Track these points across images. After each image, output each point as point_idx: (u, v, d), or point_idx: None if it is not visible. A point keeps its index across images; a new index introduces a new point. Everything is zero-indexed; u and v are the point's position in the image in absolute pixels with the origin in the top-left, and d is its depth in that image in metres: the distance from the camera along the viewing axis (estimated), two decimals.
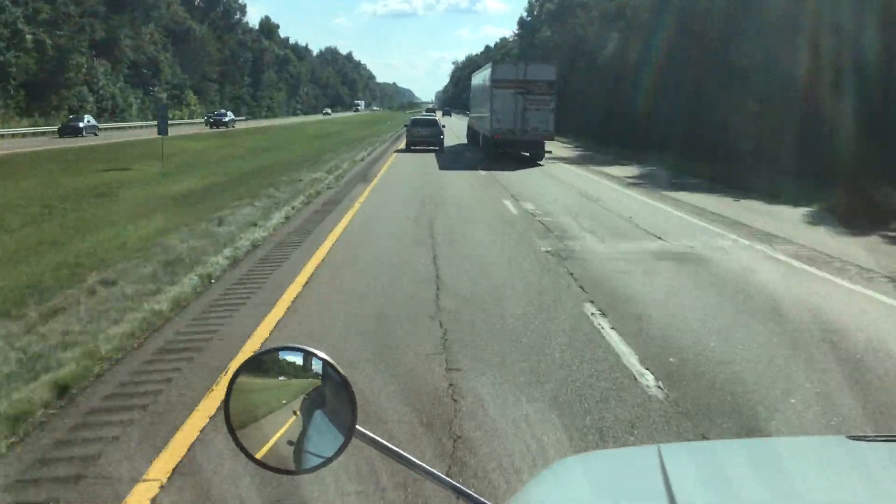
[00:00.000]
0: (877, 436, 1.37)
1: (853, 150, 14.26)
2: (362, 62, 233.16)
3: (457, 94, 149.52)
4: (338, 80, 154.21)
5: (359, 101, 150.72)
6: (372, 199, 13.11)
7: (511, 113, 22.76)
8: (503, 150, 23.89)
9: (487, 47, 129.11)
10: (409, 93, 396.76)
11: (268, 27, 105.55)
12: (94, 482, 3.03)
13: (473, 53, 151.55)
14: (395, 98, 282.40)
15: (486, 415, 3.70)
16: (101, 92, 51.38)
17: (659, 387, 4.12)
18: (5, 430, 3.36)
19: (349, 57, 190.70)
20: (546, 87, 22.69)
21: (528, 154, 23.74)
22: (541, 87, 22.66)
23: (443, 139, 28.63)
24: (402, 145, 29.32)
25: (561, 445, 3.36)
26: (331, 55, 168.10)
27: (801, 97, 16.67)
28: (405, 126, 33.47)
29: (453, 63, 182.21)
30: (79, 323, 5.00)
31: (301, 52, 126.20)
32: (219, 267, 7.02)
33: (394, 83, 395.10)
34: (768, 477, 1.16)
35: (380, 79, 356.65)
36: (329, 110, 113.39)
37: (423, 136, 28.31)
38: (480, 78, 27.47)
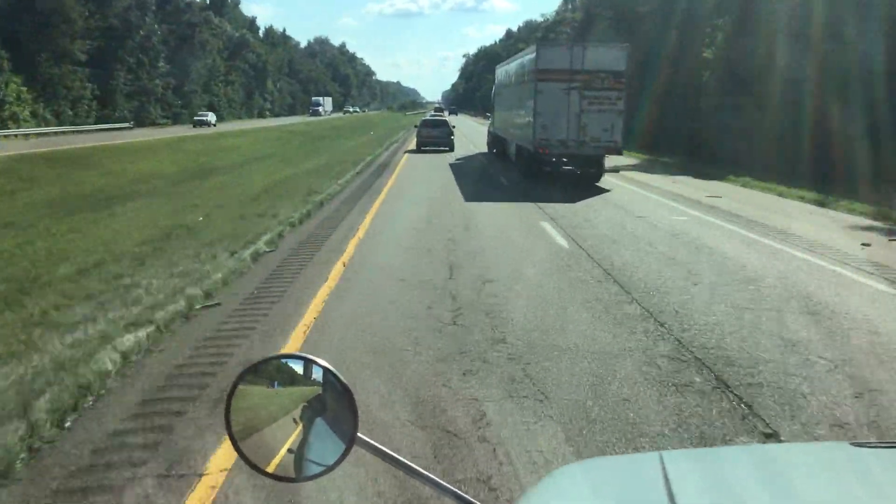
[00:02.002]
0: (879, 442, 1.48)
1: None
2: (359, 56, 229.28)
3: (468, 92, 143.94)
4: (326, 75, 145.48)
5: (319, 99, 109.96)
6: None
7: (563, 116, 18.32)
8: (550, 168, 19.36)
9: (509, 31, 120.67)
10: (413, 92, 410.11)
11: (219, 1, 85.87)
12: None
13: (487, 44, 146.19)
14: (398, 97, 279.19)
15: None
16: None
17: None
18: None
19: (342, 48, 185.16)
20: (612, 79, 18.21)
21: (579, 171, 19.28)
22: (604, 80, 18.20)
23: (453, 139, 32.85)
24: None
25: None
26: (319, 46, 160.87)
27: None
28: (415, 127, 36.40)
29: (464, 56, 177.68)
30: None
31: (276, 38, 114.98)
32: None
33: (397, 81, 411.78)
34: (771, 483, 1.29)
35: (384, 77, 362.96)
36: (210, 116, 63.95)
37: (434, 137, 32.50)
38: (515, 68, 22.97)
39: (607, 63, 18.21)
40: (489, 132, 33.28)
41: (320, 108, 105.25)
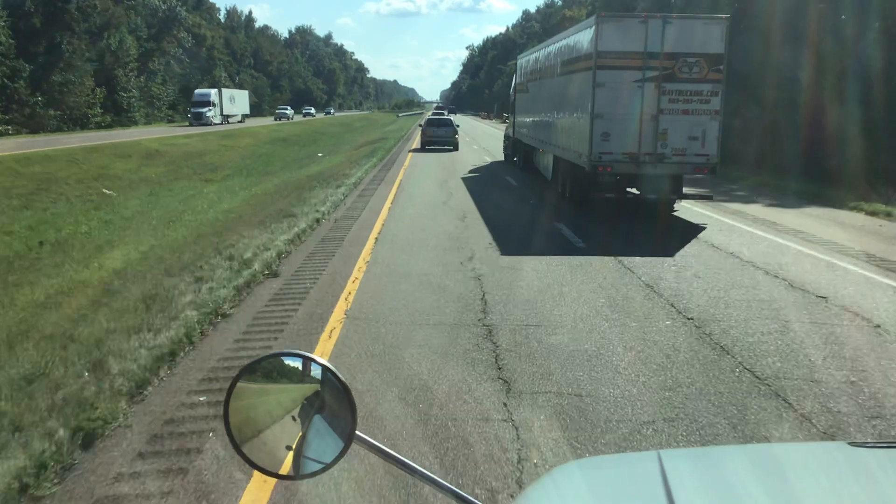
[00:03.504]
0: (877, 442, 1.56)
1: None
2: (353, 52, 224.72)
3: (475, 89, 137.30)
4: (307, 69, 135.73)
5: (208, 93, 68.12)
6: None
7: (633, 120, 14.20)
8: (614, 195, 15.10)
9: (527, 13, 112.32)
10: (412, 91, 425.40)
11: None
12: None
13: (495, 34, 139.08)
14: (394, 96, 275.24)
15: None
16: None
17: None
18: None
19: (327, 40, 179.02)
20: (705, 65, 14.07)
21: (649, 195, 15.04)
22: (693, 67, 14.10)
23: (457, 138, 35.47)
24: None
25: None
26: (301, 36, 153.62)
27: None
28: (419, 126, 39.97)
29: (467, 48, 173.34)
30: None
31: (236, 21, 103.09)
32: None
33: (394, 80, 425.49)
34: (769, 483, 1.39)
35: (381, 77, 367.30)
36: None
37: (438, 136, 34.90)
38: (555, 53, 18.69)
39: (698, 42, 14.04)
40: (507, 137, 29.81)
41: (207, 112, 64.59)
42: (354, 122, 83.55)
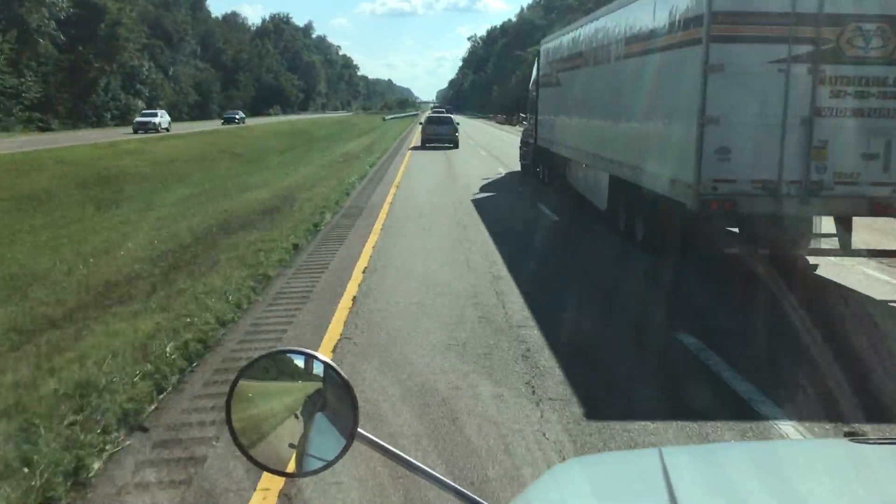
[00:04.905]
0: (878, 438, 1.64)
1: None
2: (333, 42, 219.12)
3: (478, 86, 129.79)
4: (280, 63, 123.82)
5: None
6: None
7: (772, 126, 9.52)
8: (737, 250, 10.07)
9: None
10: (407, 91, 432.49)
11: None
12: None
13: (506, 20, 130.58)
14: (388, 96, 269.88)
15: None
16: None
17: None
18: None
19: (307, 31, 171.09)
20: (893, 35, 9.19)
21: (795, 250, 10.18)
22: (874, 40, 9.53)
23: (458, 137, 38.23)
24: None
25: None
26: (274, 25, 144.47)
27: None
28: (420, 125, 44.92)
29: (469, 39, 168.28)
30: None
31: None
32: None
33: (389, 80, 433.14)
34: (770, 480, 1.46)
35: (377, 76, 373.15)
36: None
37: (439, 134, 37.82)
38: (612, 27, 13.59)
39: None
40: (524, 143, 26.22)
41: None
42: (316, 129, 64.40)
